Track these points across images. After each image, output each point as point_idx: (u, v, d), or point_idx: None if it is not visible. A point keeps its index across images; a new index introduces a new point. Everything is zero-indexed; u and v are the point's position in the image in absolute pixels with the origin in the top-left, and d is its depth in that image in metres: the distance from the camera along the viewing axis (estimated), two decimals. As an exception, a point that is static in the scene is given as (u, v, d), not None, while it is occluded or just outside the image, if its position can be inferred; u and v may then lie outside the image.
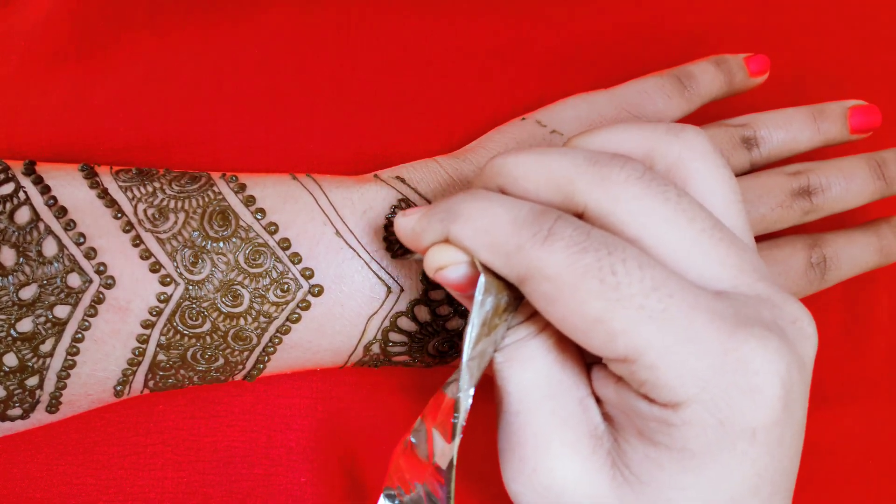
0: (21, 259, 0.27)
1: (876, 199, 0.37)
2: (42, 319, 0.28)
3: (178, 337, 0.29)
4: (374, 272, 0.30)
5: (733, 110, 0.38)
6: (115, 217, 0.29)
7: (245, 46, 0.36)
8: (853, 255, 0.36)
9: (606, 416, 0.25)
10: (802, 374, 0.23)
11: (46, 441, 0.33)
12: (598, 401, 0.25)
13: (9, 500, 0.33)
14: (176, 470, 0.34)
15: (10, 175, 0.29)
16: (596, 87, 0.36)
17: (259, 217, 0.30)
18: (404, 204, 0.31)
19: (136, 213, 0.29)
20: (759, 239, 0.35)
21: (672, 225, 0.23)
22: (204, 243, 0.29)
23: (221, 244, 0.29)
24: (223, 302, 0.29)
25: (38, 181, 0.29)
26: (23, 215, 0.28)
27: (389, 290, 0.31)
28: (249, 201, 0.30)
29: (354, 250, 0.30)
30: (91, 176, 0.30)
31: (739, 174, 0.36)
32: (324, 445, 0.34)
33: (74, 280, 0.28)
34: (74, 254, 0.28)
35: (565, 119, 0.34)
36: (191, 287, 0.29)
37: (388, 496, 0.24)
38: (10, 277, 0.27)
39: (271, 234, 0.30)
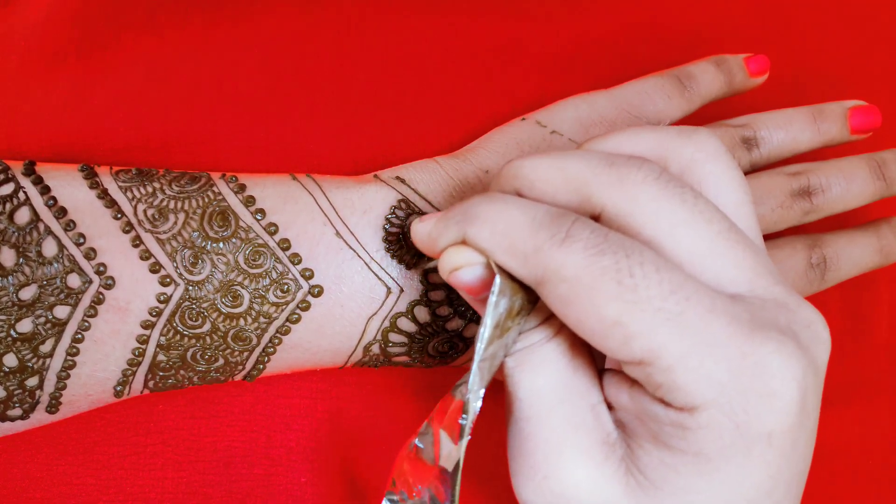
0: (21, 259, 0.27)
1: (876, 199, 0.37)
2: (42, 320, 0.28)
3: (177, 337, 0.29)
4: (374, 273, 0.30)
5: (733, 111, 0.38)
6: (115, 217, 0.29)
7: (245, 46, 0.36)
8: (853, 255, 0.36)
9: (618, 423, 0.25)
10: (817, 378, 0.23)
11: (46, 441, 0.33)
12: (610, 407, 0.25)
13: (9, 499, 0.33)
14: (176, 470, 0.34)
15: (9, 175, 0.29)
16: (596, 88, 0.36)
17: (259, 217, 0.30)
18: (404, 204, 0.31)
19: (135, 214, 0.29)
20: (759, 239, 0.35)
21: (689, 227, 0.23)
22: (204, 244, 0.29)
23: (221, 245, 0.29)
24: (223, 302, 0.29)
25: (38, 181, 0.29)
26: (23, 216, 0.28)
27: (389, 291, 0.31)
28: (249, 202, 0.30)
29: (354, 251, 0.30)
30: (91, 176, 0.30)
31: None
32: (324, 445, 0.34)
33: (74, 280, 0.28)
34: (74, 254, 0.28)
35: (565, 119, 0.34)
36: (191, 287, 0.29)
37: (391, 501, 0.24)
38: (10, 278, 0.27)
39: (271, 234, 0.30)
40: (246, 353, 0.30)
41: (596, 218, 0.24)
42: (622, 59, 0.40)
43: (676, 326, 0.22)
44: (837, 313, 0.40)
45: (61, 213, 0.28)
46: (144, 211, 0.29)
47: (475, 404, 0.23)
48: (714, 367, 0.22)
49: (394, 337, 0.31)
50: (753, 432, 0.22)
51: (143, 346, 0.29)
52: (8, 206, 0.28)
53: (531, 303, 0.25)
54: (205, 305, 0.29)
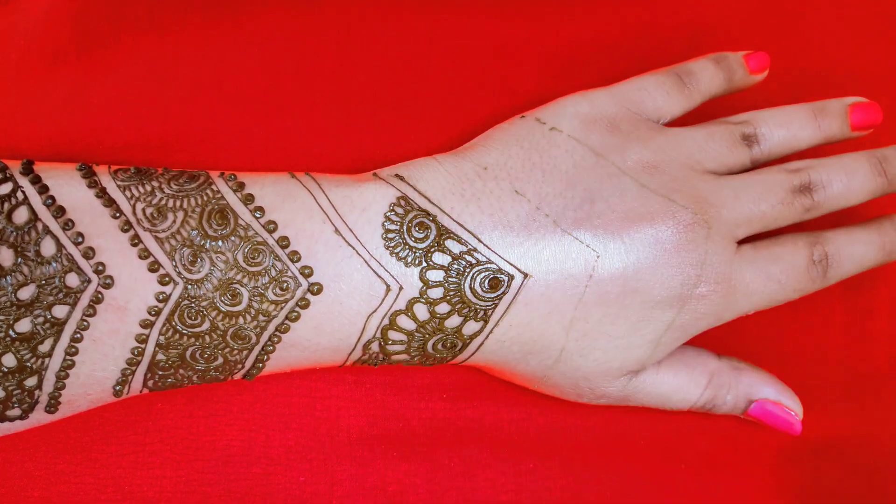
0: (19, 259, 0.27)
1: (877, 195, 0.36)
2: (40, 319, 0.28)
3: (176, 336, 0.29)
4: (373, 270, 0.30)
5: (733, 108, 0.38)
6: (114, 216, 0.29)
7: (245, 46, 0.36)
8: (855, 252, 0.36)
9: None
10: None
11: (45, 440, 0.33)
12: None
13: (7, 498, 0.33)
14: (174, 469, 0.34)
15: (7, 175, 0.29)
16: (596, 86, 0.36)
17: (258, 215, 0.30)
18: (403, 202, 0.31)
19: (134, 213, 0.29)
20: (761, 237, 0.35)
21: None
22: (203, 242, 0.29)
23: (220, 243, 0.29)
24: (222, 301, 0.29)
25: (36, 181, 0.29)
26: (21, 215, 0.28)
27: (388, 289, 0.31)
28: (248, 200, 0.30)
29: (353, 248, 0.30)
30: (89, 175, 0.30)
31: (740, 171, 0.35)
32: (323, 445, 0.34)
33: (73, 280, 0.28)
34: (73, 253, 0.28)
35: (565, 116, 0.34)
36: (189, 286, 0.29)
37: None
38: (9, 277, 0.27)
39: (270, 232, 0.30)
40: (245, 352, 0.30)
41: None
42: (622, 57, 0.40)
43: None
44: (839, 310, 0.40)
45: (59, 212, 0.28)
46: (143, 210, 0.29)
47: None
48: None
49: (393, 335, 0.31)
50: None
51: (142, 346, 0.29)
52: (6, 205, 0.28)
53: None
54: (204, 304, 0.29)
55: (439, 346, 0.32)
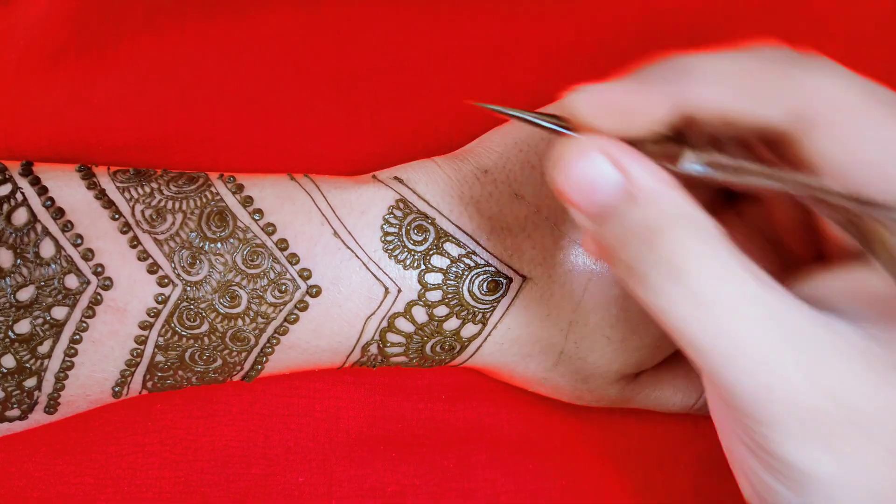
0: (18, 260, 0.28)
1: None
2: (40, 321, 0.28)
3: (175, 338, 0.29)
4: (371, 273, 0.30)
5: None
6: (113, 218, 0.29)
7: (244, 46, 0.36)
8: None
9: None
10: None
11: (44, 440, 0.33)
12: None
13: (7, 499, 0.33)
14: (173, 469, 0.34)
15: (6, 176, 0.29)
16: (595, 87, 0.36)
17: (257, 218, 0.30)
18: (402, 204, 0.31)
19: (133, 214, 0.29)
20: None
21: None
22: (202, 244, 0.29)
23: (219, 245, 0.29)
24: (221, 303, 0.29)
25: (36, 182, 0.29)
26: (20, 216, 0.28)
27: (387, 291, 0.31)
28: (247, 202, 0.30)
29: (352, 251, 0.30)
30: (89, 177, 0.30)
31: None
32: (322, 445, 0.34)
33: (72, 281, 0.28)
34: (72, 255, 0.28)
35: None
36: (188, 288, 0.29)
37: None
38: (8, 279, 0.27)
39: (269, 234, 0.30)
40: (244, 354, 0.30)
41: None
42: (621, 57, 0.39)
43: None
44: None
45: (59, 213, 0.28)
46: (142, 211, 0.29)
47: None
48: None
49: (392, 337, 0.31)
50: None
51: (142, 347, 0.29)
52: (5, 206, 0.28)
53: None
54: (203, 306, 0.29)
55: (438, 349, 0.32)
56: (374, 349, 0.31)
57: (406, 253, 0.31)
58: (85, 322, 0.28)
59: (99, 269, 0.28)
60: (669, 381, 0.34)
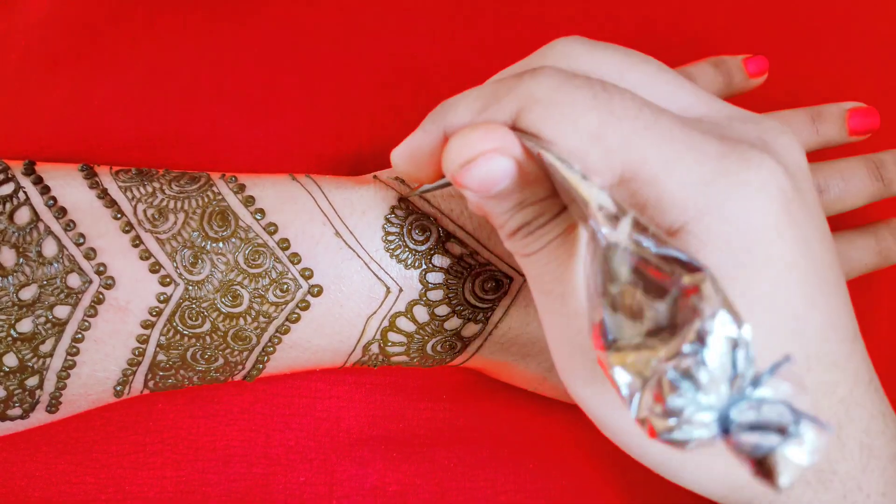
0: (21, 259, 0.28)
1: (875, 200, 0.37)
2: (42, 320, 0.28)
3: (177, 337, 0.29)
4: (373, 272, 0.31)
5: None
6: (115, 217, 0.29)
7: (245, 46, 0.36)
8: (852, 257, 0.36)
9: None
10: (800, 177, 0.24)
11: (46, 440, 0.33)
12: None
13: (8, 498, 0.33)
14: (175, 469, 0.34)
15: (9, 175, 0.29)
16: (595, 88, 0.36)
17: (258, 217, 0.30)
18: (403, 204, 0.31)
19: (135, 214, 0.29)
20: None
21: (633, 66, 0.25)
22: (203, 244, 0.29)
23: (221, 244, 0.29)
24: (223, 302, 0.29)
25: (38, 181, 0.29)
26: (22, 216, 0.28)
27: (388, 291, 0.31)
28: (249, 202, 0.30)
29: (354, 250, 0.30)
30: (91, 176, 0.30)
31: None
32: (323, 445, 0.35)
33: (74, 280, 0.28)
34: (74, 254, 0.28)
35: None
36: (190, 287, 0.29)
37: None
38: (10, 278, 0.27)
39: (271, 234, 0.30)
40: (245, 353, 0.30)
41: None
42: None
43: (654, 134, 0.22)
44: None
45: (61, 213, 0.28)
46: (144, 211, 0.29)
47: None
48: (697, 168, 0.22)
49: (393, 336, 0.31)
50: (758, 231, 0.22)
51: (143, 346, 0.29)
52: (8, 206, 0.28)
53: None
54: (204, 305, 0.29)
55: (439, 348, 0.32)
56: (375, 348, 0.31)
57: (408, 252, 0.31)
58: (87, 321, 0.28)
59: (101, 269, 0.28)
60: None
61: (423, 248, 0.31)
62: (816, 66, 0.42)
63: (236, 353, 0.30)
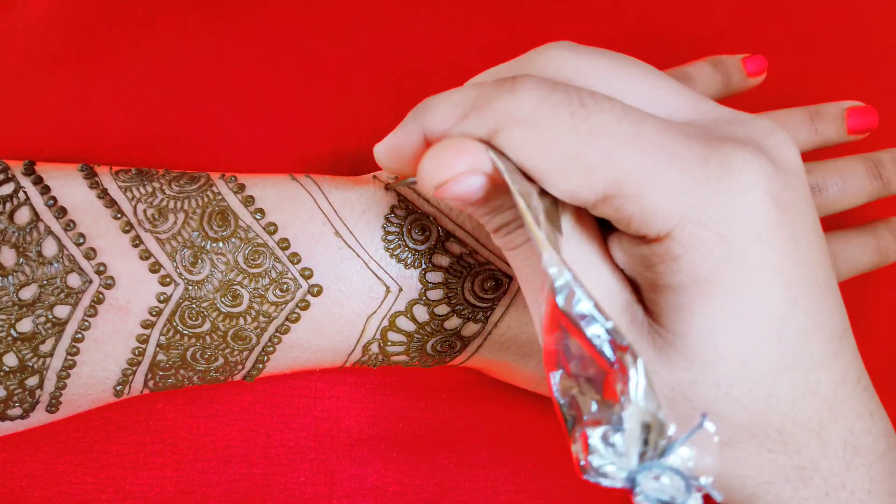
0: (21, 259, 0.28)
1: (873, 199, 0.37)
2: (42, 319, 0.28)
3: (177, 337, 0.29)
4: (372, 272, 0.31)
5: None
6: (115, 217, 0.29)
7: (245, 46, 0.36)
8: (850, 256, 0.36)
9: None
10: (791, 176, 0.24)
11: (46, 440, 0.33)
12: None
13: (8, 498, 0.33)
14: (175, 469, 0.34)
15: (9, 175, 0.29)
16: (594, 88, 0.36)
17: (258, 217, 0.30)
18: (403, 204, 0.31)
19: (135, 214, 0.29)
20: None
21: (618, 71, 0.24)
22: (203, 243, 0.29)
23: (221, 244, 0.29)
24: (223, 302, 0.29)
25: (38, 181, 0.29)
26: (23, 216, 0.28)
27: (388, 290, 0.31)
28: (249, 201, 0.30)
29: (353, 250, 0.31)
30: (91, 176, 0.30)
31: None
32: (323, 445, 0.35)
33: (74, 280, 0.28)
34: (74, 254, 0.28)
35: None
36: (190, 287, 0.29)
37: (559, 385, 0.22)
38: (10, 278, 0.27)
39: (270, 234, 0.30)
40: (245, 353, 0.30)
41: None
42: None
43: (634, 148, 0.22)
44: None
45: (61, 213, 0.28)
46: (144, 211, 0.29)
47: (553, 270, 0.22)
48: (678, 178, 0.22)
49: (393, 336, 0.31)
50: (740, 235, 0.22)
51: (143, 346, 0.29)
52: (8, 205, 0.28)
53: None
54: (204, 305, 0.29)
55: (438, 347, 0.32)
56: (375, 348, 0.32)
57: (407, 252, 0.31)
58: (87, 321, 0.28)
59: (101, 269, 0.28)
60: None
61: (423, 247, 0.31)
62: (815, 66, 0.42)
63: (236, 352, 0.30)
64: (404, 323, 0.31)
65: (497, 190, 0.24)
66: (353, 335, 0.31)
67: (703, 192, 0.22)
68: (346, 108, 0.36)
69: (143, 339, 0.29)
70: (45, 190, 0.29)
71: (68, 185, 0.29)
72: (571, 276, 0.20)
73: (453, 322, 0.31)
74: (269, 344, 0.30)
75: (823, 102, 0.37)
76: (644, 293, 0.24)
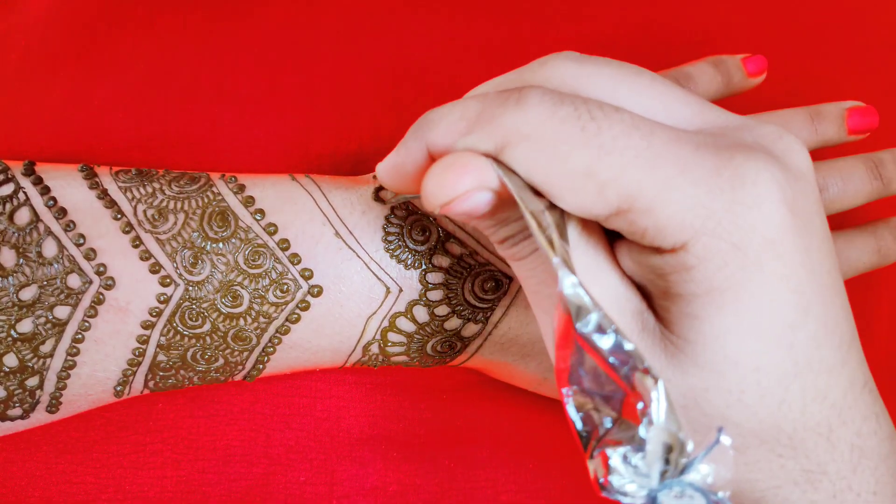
0: (21, 260, 0.28)
1: (873, 199, 0.37)
2: (42, 320, 0.28)
3: (177, 337, 0.29)
4: (373, 272, 0.31)
5: (730, 111, 0.38)
6: (115, 218, 0.29)
7: (245, 46, 0.36)
8: (851, 256, 0.36)
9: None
10: (802, 182, 0.23)
11: (46, 440, 0.33)
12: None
13: (8, 498, 0.33)
14: (175, 469, 0.34)
15: (9, 176, 0.29)
16: (594, 88, 0.36)
17: (258, 218, 0.30)
18: (403, 204, 0.31)
19: (135, 214, 0.29)
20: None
21: (624, 81, 0.24)
22: (203, 244, 0.29)
23: (221, 245, 0.29)
24: (223, 303, 0.29)
25: (38, 182, 0.29)
26: (23, 216, 0.28)
27: (388, 291, 0.31)
28: (249, 202, 0.30)
29: (353, 251, 0.31)
30: (91, 177, 0.30)
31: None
32: (323, 445, 0.35)
33: (74, 281, 0.28)
34: (74, 255, 0.28)
35: None
36: (190, 288, 0.29)
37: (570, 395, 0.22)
38: (11, 278, 0.27)
39: (271, 234, 0.30)
40: (246, 353, 0.30)
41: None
42: (621, 60, 0.40)
43: (646, 161, 0.22)
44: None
45: (61, 213, 0.28)
46: (144, 211, 0.29)
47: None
48: (692, 191, 0.22)
49: (393, 336, 0.31)
50: (754, 245, 0.22)
51: (144, 347, 0.29)
52: (8, 206, 0.28)
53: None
54: (205, 306, 0.29)
55: (438, 348, 0.32)
56: (375, 348, 0.32)
57: (407, 252, 0.31)
58: (87, 321, 0.28)
59: (101, 269, 0.28)
60: None
61: (423, 248, 0.31)
62: (815, 66, 0.42)
63: (236, 353, 0.30)
64: (404, 323, 0.31)
65: (503, 203, 0.24)
66: (354, 336, 0.31)
67: (718, 203, 0.22)
68: (346, 108, 0.36)
69: (144, 340, 0.29)
70: (45, 190, 0.29)
71: (68, 185, 0.29)
72: (591, 300, 0.20)
73: (453, 323, 0.31)
74: (269, 344, 0.30)
75: (823, 102, 0.37)
76: (655, 300, 0.24)
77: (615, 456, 0.20)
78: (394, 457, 0.35)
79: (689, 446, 0.19)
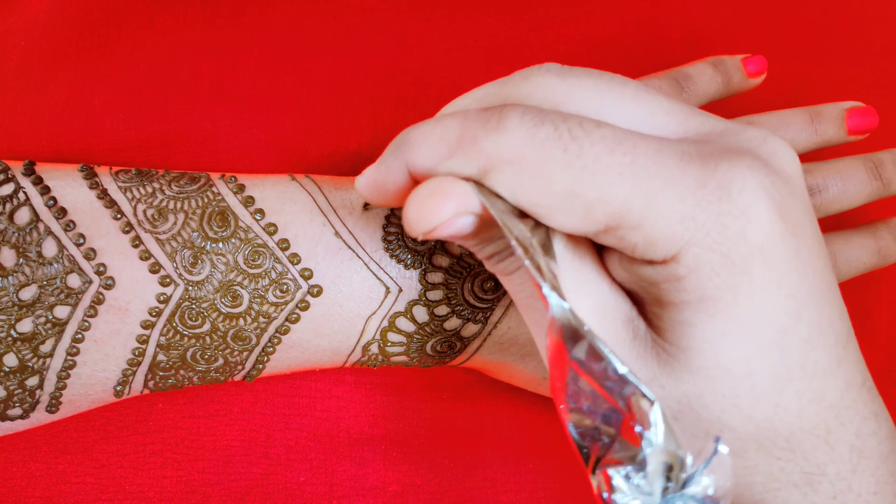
0: (21, 260, 0.28)
1: (873, 199, 0.37)
2: (42, 320, 0.28)
3: (177, 337, 0.29)
4: (372, 272, 0.31)
5: (730, 112, 0.38)
6: (115, 218, 0.29)
7: (245, 46, 0.36)
8: (850, 257, 0.36)
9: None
10: (790, 184, 0.24)
11: (46, 440, 0.33)
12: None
13: (8, 498, 0.33)
14: (175, 469, 0.34)
15: (9, 175, 0.29)
16: (594, 88, 0.36)
17: (258, 218, 0.30)
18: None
19: (135, 214, 0.29)
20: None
21: (608, 92, 0.24)
22: (203, 244, 0.29)
23: (221, 245, 0.29)
24: (223, 302, 0.29)
25: (38, 181, 0.29)
26: (22, 216, 0.28)
27: (388, 291, 0.31)
28: (249, 202, 0.30)
29: (353, 251, 0.31)
30: (91, 176, 0.30)
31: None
32: (323, 445, 0.35)
33: (74, 281, 0.28)
34: (74, 254, 0.28)
35: None
36: (190, 288, 0.29)
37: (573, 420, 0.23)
38: (10, 278, 0.27)
39: (270, 234, 0.30)
40: (245, 353, 0.30)
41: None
42: (621, 60, 0.40)
43: (631, 177, 0.22)
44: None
45: (61, 213, 0.28)
46: (144, 211, 0.29)
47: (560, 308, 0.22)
48: (680, 206, 0.22)
49: (392, 336, 0.31)
50: (744, 253, 0.22)
51: (143, 346, 0.29)
52: (8, 206, 0.28)
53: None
54: (204, 305, 0.29)
55: (438, 348, 0.32)
56: (374, 348, 0.32)
57: (407, 252, 0.31)
58: (87, 321, 0.28)
59: (101, 269, 0.28)
60: None
61: (423, 247, 0.31)
62: (815, 66, 0.42)
63: (236, 353, 0.30)
64: (404, 323, 0.31)
65: (486, 224, 0.24)
66: (353, 335, 0.31)
67: (705, 216, 0.22)
68: (346, 108, 0.36)
69: (143, 340, 0.29)
70: (45, 190, 0.29)
71: (68, 185, 0.29)
72: (584, 325, 0.21)
73: (453, 323, 0.31)
74: (268, 344, 0.30)
75: (823, 103, 0.37)
76: (646, 306, 0.24)
77: (618, 476, 0.20)
78: (394, 457, 0.35)
79: (689, 461, 0.20)
